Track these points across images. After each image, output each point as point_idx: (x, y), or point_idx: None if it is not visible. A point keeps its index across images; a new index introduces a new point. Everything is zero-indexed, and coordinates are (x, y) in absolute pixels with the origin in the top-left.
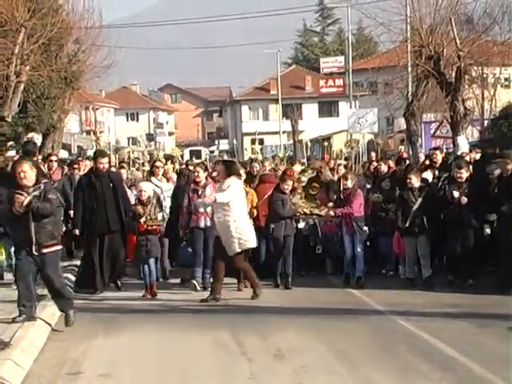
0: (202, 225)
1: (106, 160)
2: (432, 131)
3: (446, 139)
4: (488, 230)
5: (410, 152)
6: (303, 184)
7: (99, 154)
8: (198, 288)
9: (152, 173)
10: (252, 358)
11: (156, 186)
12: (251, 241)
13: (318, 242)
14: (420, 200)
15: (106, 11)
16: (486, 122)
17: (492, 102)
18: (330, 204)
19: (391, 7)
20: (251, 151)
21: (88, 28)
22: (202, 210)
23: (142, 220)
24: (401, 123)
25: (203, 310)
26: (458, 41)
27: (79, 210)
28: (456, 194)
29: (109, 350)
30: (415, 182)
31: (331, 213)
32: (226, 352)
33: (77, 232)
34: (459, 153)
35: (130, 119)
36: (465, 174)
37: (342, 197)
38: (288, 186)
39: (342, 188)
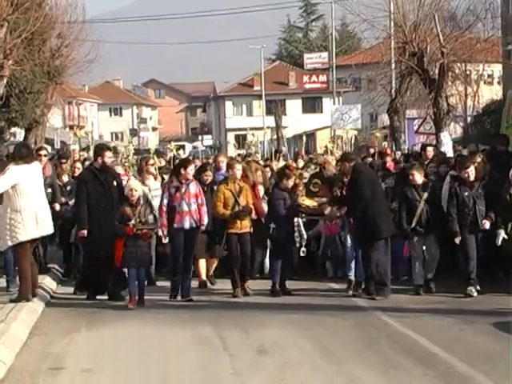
0: (186, 225)
1: (111, 154)
2: (415, 127)
3: (429, 135)
4: (504, 234)
5: (394, 148)
6: (305, 180)
7: (105, 147)
8: (179, 298)
9: (140, 171)
10: (234, 353)
11: (143, 184)
12: (25, 235)
13: (314, 243)
14: (425, 197)
15: (90, 6)
16: (469, 119)
17: (475, 99)
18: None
19: (375, 3)
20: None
21: (71, 22)
22: (186, 208)
23: (131, 223)
24: (384, 119)
25: (186, 306)
26: (441, 37)
27: (84, 209)
28: (487, 225)
29: (91, 344)
30: (418, 178)
31: (335, 211)
32: (208, 347)
33: (85, 233)
34: (442, 149)
35: (113, 114)
36: (473, 172)
37: (344, 194)
38: (289, 182)
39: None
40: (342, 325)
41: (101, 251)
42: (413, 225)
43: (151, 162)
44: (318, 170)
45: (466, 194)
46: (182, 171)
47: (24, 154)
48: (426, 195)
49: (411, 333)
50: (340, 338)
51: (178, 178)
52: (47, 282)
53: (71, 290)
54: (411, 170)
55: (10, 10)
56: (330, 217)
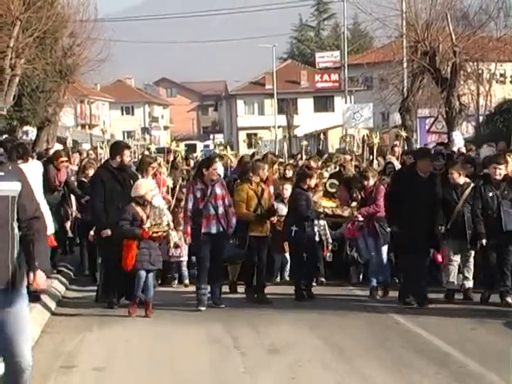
0: (213, 230)
1: (129, 152)
2: (427, 126)
3: (440, 134)
4: None
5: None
6: (325, 180)
7: (124, 145)
8: (204, 308)
9: (142, 170)
10: (245, 352)
11: None
12: None
13: (335, 246)
14: (464, 197)
15: (102, 4)
16: (481, 118)
17: (487, 98)
18: (354, 204)
19: (387, 2)
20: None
21: (83, 21)
22: (213, 212)
23: (146, 226)
24: (396, 118)
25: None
26: (453, 36)
27: (102, 209)
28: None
29: (103, 343)
30: (457, 177)
31: (356, 214)
32: (219, 346)
33: (109, 232)
34: (454, 148)
35: (125, 113)
36: (503, 170)
37: (363, 196)
38: (310, 181)
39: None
40: (354, 323)
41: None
42: (448, 226)
43: (148, 160)
44: (337, 169)
45: (491, 194)
46: (205, 171)
47: (21, 153)
48: (465, 195)
49: (423, 332)
50: (351, 336)
51: (201, 179)
52: (57, 282)
53: (82, 289)
54: (451, 168)
55: (23, 8)
56: (351, 218)
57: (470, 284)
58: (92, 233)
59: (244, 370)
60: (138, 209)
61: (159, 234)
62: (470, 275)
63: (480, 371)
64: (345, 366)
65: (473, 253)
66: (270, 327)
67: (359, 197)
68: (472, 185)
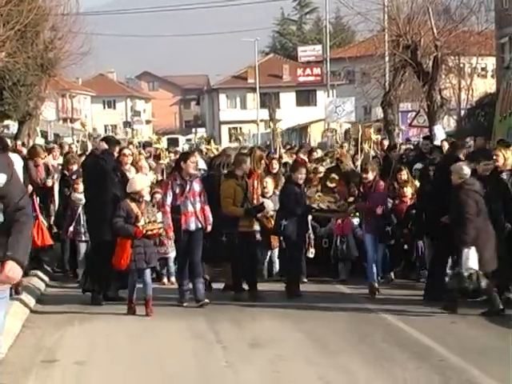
0: (192, 227)
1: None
2: (409, 120)
3: (422, 128)
4: None
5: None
6: (320, 175)
7: (116, 141)
8: (186, 304)
9: (119, 162)
10: (228, 346)
11: None
12: None
13: (326, 241)
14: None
15: None
16: (462, 112)
17: (469, 92)
18: (351, 199)
19: None
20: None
21: (65, 15)
22: (191, 208)
23: (141, 224)
24: (378, 112)
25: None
26: (435, 30)
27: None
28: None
29: (84, 338)
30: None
31: (351, 209)
32: (202, 340)
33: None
34: (436, 142)
35: (106, 107)
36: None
37: (362, 191)
38: (302, 176)
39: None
40: (336, 318)
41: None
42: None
43: (126, 151)
44: (334, 164)
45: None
46: (183, 165)
47: (0, 147)
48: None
49: (405, 326)
50: (334, 331)
51: (180, 174)
52: (37, 278)
53: (63, 286)
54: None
55: (3, 1)
56: (341, 215)
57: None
58: (71, 229)
59: (226, 363)
60: (133, 205)
61: (154, 231)
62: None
63: (461, 365)
64: (327, 361)
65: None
66: (252, 322)
67: (356, 192)
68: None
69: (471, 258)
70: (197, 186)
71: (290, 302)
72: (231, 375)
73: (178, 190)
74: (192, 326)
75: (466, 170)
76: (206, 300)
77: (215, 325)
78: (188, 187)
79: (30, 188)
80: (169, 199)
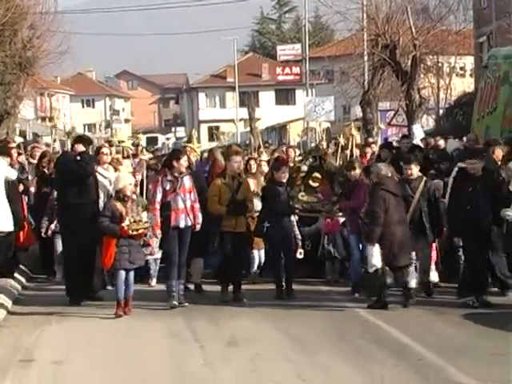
0: (181, 224)
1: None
2: (388, 119)
3: (401, 128)
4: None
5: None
6: (303, 174)
7: (91, 142)
8: (176, 304)
9: (97, 161)
10: (205, 345)
11: (103, 176)
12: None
13: (309, 243)
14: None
15: None
16: (441, 111)
17: (447, 91)
18: (335, 198)
19: None
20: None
21: (43, 13)
22: (181, 205)
23: (125, 224)
24: (357, 111)
25: (158, 298)
26: (413, 30)
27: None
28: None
29: (62, 337)
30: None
31: (335, 209)
32: (179, 339)
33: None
34: (415, 141)
35: (85, 106)
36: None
37: (346, 190)
38: (284, 175)
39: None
40: (314, 316)
41: (86, 250)
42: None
43: (104, 150)
44: (317, 162)
45: (471, 189)
46: (175, 164)
47: None
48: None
49: (383, 324)
50: (312, 329)
51: (170, 171)
52: (14, 279)
53: (40, 287)
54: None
55: None
56: (333, 214)
57: (431, 278)
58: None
59: (204, 362)
60: (118, 204)
61: (140, 231)
62: (431, 269)
63: (438, 363)
64: (305, 359)
65: (434, 246)
66: (230, 321)
67: (339, 191)
68: (424, 179)
69: (375, 255)
70: (187, 182)
71: (268, 302)
72: (209, 374)
73: (168, 187)
74: (169, 325)
75: (384, 171)
76: (186, 303)
77: (193, 323)
78: (179, 183)
79: (21, 187)
80: (158, 196)
